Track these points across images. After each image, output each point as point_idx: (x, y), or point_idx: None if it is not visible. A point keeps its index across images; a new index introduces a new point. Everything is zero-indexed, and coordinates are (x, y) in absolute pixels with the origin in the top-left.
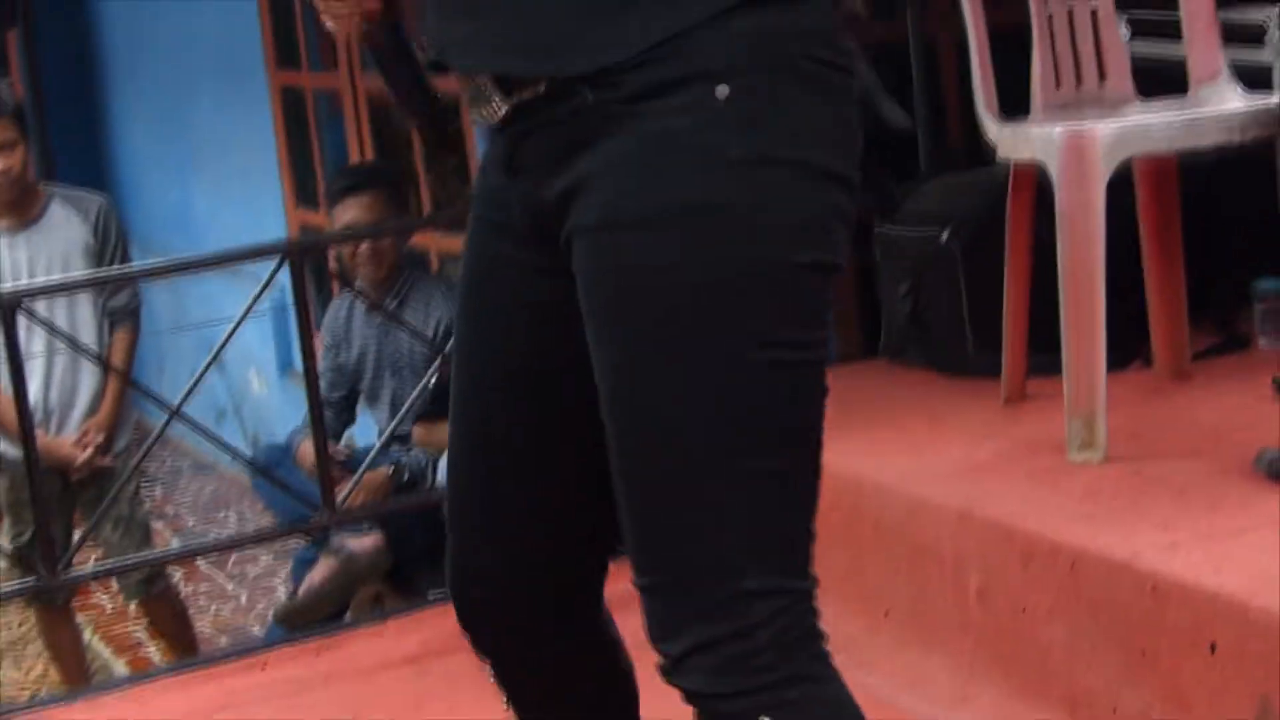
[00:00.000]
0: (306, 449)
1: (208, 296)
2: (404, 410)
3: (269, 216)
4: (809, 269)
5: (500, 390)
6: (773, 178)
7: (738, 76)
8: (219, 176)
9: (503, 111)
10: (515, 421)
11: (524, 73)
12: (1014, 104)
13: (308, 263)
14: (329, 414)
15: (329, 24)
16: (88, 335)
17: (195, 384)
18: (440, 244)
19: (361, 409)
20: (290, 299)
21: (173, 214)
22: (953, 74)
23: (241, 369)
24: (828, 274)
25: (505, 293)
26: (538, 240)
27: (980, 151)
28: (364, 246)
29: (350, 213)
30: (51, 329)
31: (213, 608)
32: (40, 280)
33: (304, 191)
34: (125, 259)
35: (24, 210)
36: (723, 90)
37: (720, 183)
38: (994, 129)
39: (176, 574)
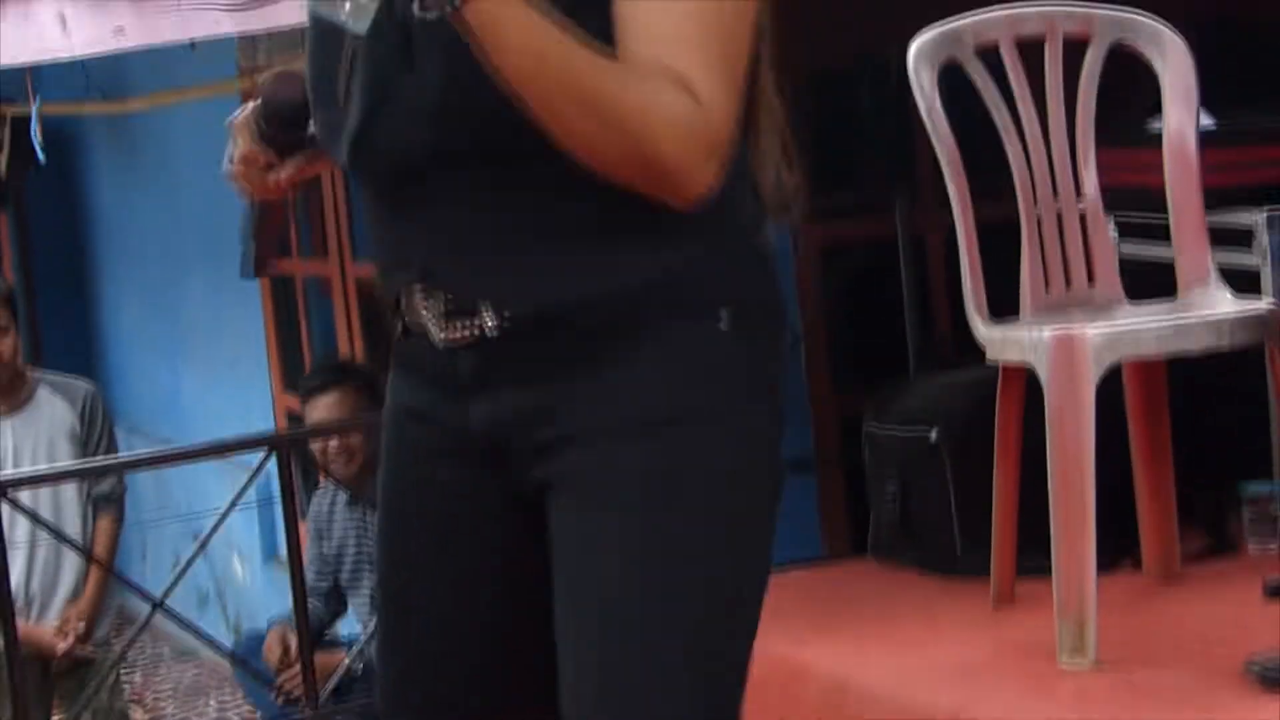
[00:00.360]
0: (272, 641)
1: (194, 481)
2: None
3: (256, 402)
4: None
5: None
6: (760, 395)
7: (735, 314)
8: (208, 361)
9: (489, 331)
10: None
11: (517, 300)
12: (1003, 299)
13: (295, 453)
14: (317, 603)
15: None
16: (71, 522)
17: (178, 579)
18: None
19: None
20: (276, 488)
21: (161, 398)
22: (941, 270)
23: (225, 554)
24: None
25: (446, 521)
26: (487, 456)
27: (969, 347)
28: (334, 442)
29: (318, 412)
30: (35, 519)
31: None
32: (26, 469)
33: (292, 378)
34: (111, 446)
35: (11, 396)
36: (725, 323)
37: (718, 402)
38: (983, 330)
39: None
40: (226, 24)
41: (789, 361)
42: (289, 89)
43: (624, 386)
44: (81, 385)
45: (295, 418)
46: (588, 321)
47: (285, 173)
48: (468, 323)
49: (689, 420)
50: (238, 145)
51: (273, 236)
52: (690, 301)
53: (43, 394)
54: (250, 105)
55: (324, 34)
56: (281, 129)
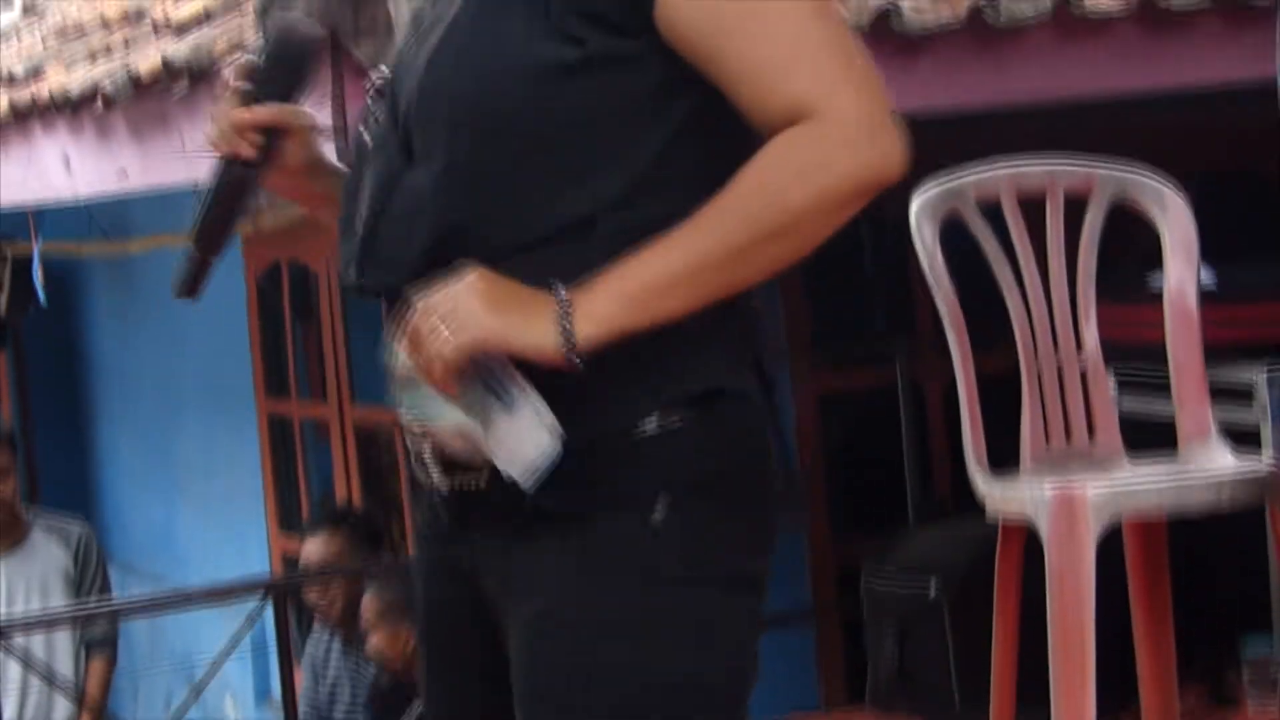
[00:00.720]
0: None
1: (188, 620)
2: None
3: (252, 542)
4: (726, 675)
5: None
6: (695, 595)
7: (667, 491)
8: (204, 501)
9: (444, 488)
10: None
11: (467, 461)
12: (1003, 448)
13: (290, 597)
14: None
15: None
16: (64, 662)
17: None
18: None
19: None
20: (270, 629)
21: (156, 537)
22: (940, 421)
23: (217, 694)
24: (742, 681)
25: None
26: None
27: (968, 498)
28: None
29: (310, 551)
30: (27, 663)
31: None
32: (20, 613)
33: (288, 519)
34: (105, 587)
35: (6, 535)
36: (659, 508)
37: (642, 600)
38: (984, 485)
39: None
40: None
41: (772, 523)
42: (306, 30)
43: (542, 575)
44: (76, 526)
45: (292, 560)
46: (510, 500)
47: (260, 114)
48: (439, 475)
49: (596, 625)
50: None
51: (224, 225)
52: (618, 491)
53: (37, 534)
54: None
55: (353, 168)
56: (286, 75)
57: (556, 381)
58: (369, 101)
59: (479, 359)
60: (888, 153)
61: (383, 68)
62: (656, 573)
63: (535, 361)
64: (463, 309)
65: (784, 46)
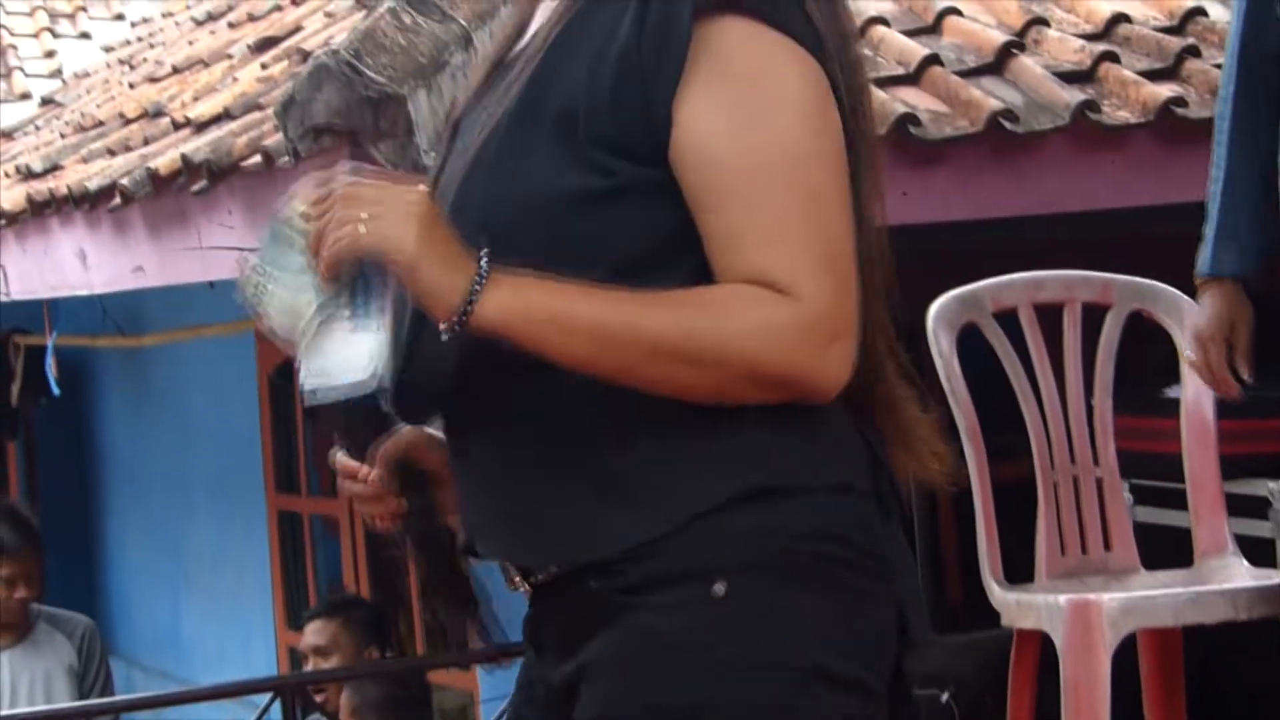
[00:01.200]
0: None
1: (194, 718)
2: None
3: (258, 638)
4: None
5: None
6: (762, 684)
7: (734, 575)
8: (211, 596)
9: (524, 589)
10: None
11: (531, 564)
12: (1016, 558)
13: (299, 696)
14: None
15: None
16: None
17: None
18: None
19: None
20: None
21: (162, 631)
22: (951, 529)
23: None
24: None
25: None
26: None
27: (980, 606)
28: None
29: (307, 638)
30: None
31: None
32: (23, 708)
33: (295, 615)
34: (108, 683)
35: (13, 629)
36: (719, 589)
37: (707, 687)
38: (999, 594)
39: None
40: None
41: (874, 630)
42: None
43: (599, 673)
44: (80, 621)
45: (297, 654)
46: (577, 592)
47: (380, 470)
48: (519, 578)
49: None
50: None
51: (444, 568)
52: (672, 567)
53: (42, 628)
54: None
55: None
56: (356, 432)
57: (622, 465)
58: None
59: (371, 267)
60: (830, 366)
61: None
62: (717, 656)
63: (421, 303)
64: (392, 216)
65: (775, 221)
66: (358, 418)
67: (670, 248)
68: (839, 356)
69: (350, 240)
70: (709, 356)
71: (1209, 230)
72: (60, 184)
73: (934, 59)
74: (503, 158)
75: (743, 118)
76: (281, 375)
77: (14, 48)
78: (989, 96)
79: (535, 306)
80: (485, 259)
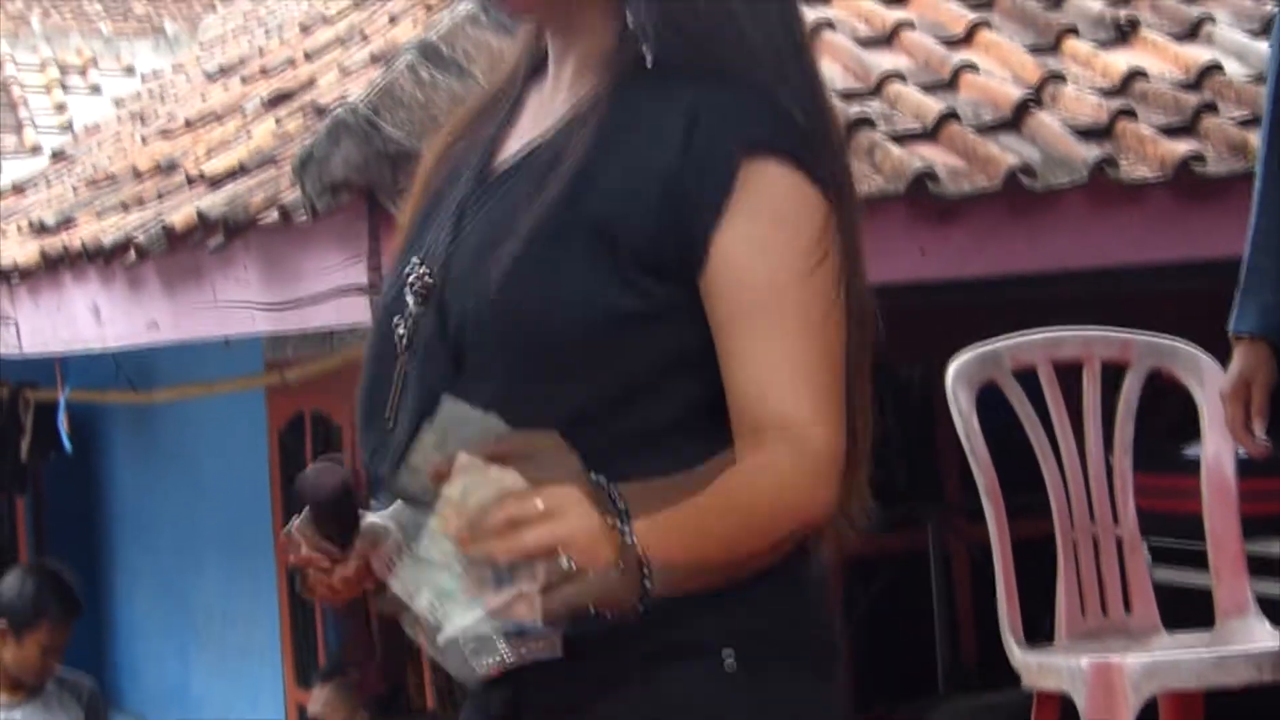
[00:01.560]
0: None
1: None
2: None
3: (266, 695)
4: None
5: None
6: None
7: (743, 650)
8: (220, 652)
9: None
10: None
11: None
12: (1035, 618)
13: None
14: None
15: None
16: None
17: None
18: None
19: None
20: None
21: (170, 687)
22: (967, 588)
23: None
24: None
25: None
26: None
27: (998, 667)
28: None
29: (310, 706)
30: None
31: None
32: None
33: (305, 672)
34: None
35: (31, 689)
36: (730, 663)
37: None
38: (1019, 656)
39: None
40: (261, 322)
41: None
42: (330, 479)
43: None
44: (85, 682)
45: (305, 713)
46: (575, 666)
47: (348, 570)
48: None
49: None
50: (299, 554)
51: (364, 645)
52: (684, 639)
53: (51, 688)
54: (298, 517)
55: (379, 355)
56: (333, 522)
57: None
58: (408, 297)
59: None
60: (829, 502)
61: (416, 262)
62: None
63: (600, 607)
64: (588, 558)
65: (788, 367)
66: (346, 511)
67: (674, 371)
68: (831, 488)
69: (535, 543)
70: (757, 527)
71: (1238, 288)
72: (74, 238)
73: (951, 115)
74: (543, 264)
75: (775, 260)
76: (292, 432)
77: (24, 101)
78: (1006, 152)
79: (675, 550)
80: (633, 540)
